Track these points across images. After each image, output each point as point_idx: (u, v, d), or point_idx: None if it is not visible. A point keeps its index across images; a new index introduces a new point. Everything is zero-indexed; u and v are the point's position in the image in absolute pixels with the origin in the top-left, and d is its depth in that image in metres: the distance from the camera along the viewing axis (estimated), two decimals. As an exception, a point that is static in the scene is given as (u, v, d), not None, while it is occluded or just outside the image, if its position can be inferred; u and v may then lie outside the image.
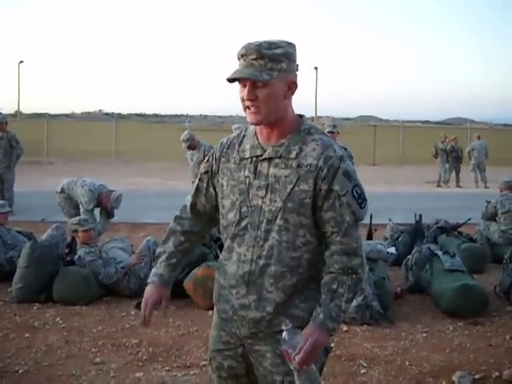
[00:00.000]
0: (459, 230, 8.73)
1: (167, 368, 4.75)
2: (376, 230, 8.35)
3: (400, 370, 4.77)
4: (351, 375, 4.65)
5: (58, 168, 22.46)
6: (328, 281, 2.31)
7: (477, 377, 4.62)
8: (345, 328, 5.63)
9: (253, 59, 2.24)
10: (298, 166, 2.29)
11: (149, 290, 2.59)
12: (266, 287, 2.33)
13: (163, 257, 2.62)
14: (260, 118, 2.28)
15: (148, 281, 2.62)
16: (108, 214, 8.93)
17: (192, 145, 10.16)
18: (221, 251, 2.59)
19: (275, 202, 2.30)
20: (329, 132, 8.26)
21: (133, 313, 6.03)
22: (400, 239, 8.50)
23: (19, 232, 7.59)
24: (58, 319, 5.82)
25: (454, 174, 20.10)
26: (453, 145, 20.26)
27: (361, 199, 2.32)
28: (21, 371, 4.64)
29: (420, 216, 8.50)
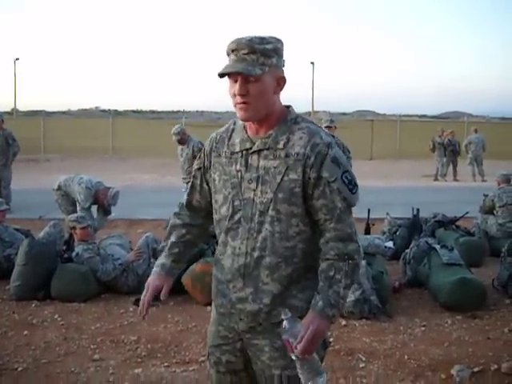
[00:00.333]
0: (457, 223, 8.75)
1: (166, 364, 4.76)
2: (374, 225, 8.36)
3: (399, 363, 4.78)
4: (350, 369, 4.65)
5: (55, 165, 22.46)
6: (325, 268, 2.31)
7: (475, 370, 4.63)
8: (343, 322, 5.63)
9: (244, 54, 2.24)
10: (286, 155, 2.29)
11: (150, 278, 2.59)
12: (262, 279, 2.34)
13: (165, 248, 2.64)
14: (250, 114, 2.29)
15: (152, 272, 2.62)
16: (105, 210, 8.94)
17: (182, 139, 10.04)
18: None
19: (266, 193, 2.30)
20: (326, 127, 8.25)
21: (131, 309, 6.03)
22: (398, 233, 8.50)
23: (17, 230, 7.58)
24: (56, 316, 5.82)
25: (451, 167, 20.11)
26: (450, 138, 20.27)
27: (351, 185, 2.32)
28: (19, 369, 4.64)
29: (418, 210, 8.51)
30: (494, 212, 8.75)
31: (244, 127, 2.39)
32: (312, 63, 44.70)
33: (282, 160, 2.29)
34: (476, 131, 20.88)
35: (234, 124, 2.47)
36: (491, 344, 5.21)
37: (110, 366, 4.71)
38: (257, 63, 2.23)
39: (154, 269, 2.61)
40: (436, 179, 19.99)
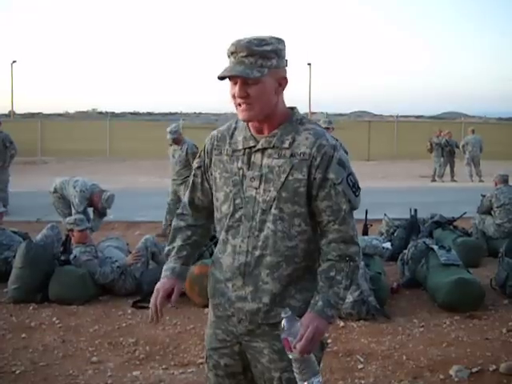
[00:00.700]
0: (455, 224, 8.76)
1: (164, 366, 4.75)
2: (371, 226, 8.37)
3: (397, 364, 4.78)
4: (348, 371, 4.65)
5: (52, 167, 22.43)
6: (326, 268, 2.32)
7: (474, 370, 4.63)
8: (341, 324, 5.63)
9: (243, 56, 2.23)
10: (292, 155, 2.29)
11: (160, 282, 2.54)
12: (263, 278, 2.33)
13: (173, 252, 2.58)
14: (251, 114, 2.29)
15: (161, 277, 2.56)
16: (100, 213, 8.95)
17: (177, 139, 9.82)
18: (215, 245, 2.59)
19: (269, 191, 2.30)
20: (324, 128, 8.27)
21: (129, 312, 6.03)
22: (396, 234, 8.51)
23: (14, 232, 7.57)
24: (54, 319, 5.81)
25: (448, 168, 20.12)
26: (447, 139, 20.28)
27: (355, 188, 2.34)
28: (17, 372, 4.63)
29: (415, 211, 8.51)
30: (492, 212, 8.74)
31: (247, 125, 2.39)
32: (309, 64, 44.71)
33: (287, 159, 2.29)
34: (473, 132, 20.89)
35: (236, 122, 2.46)
36: (489, 344, 5.21)
37: (108, 369, 4.71)
38: (255, 65, 2.23)
39: (164, 273, 2.55)
40: (433, 180, 20.00)
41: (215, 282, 2.48)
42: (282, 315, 2.23)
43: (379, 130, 29.97)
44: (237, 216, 2.36)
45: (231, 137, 2.43)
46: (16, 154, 12.80)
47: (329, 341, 4.93)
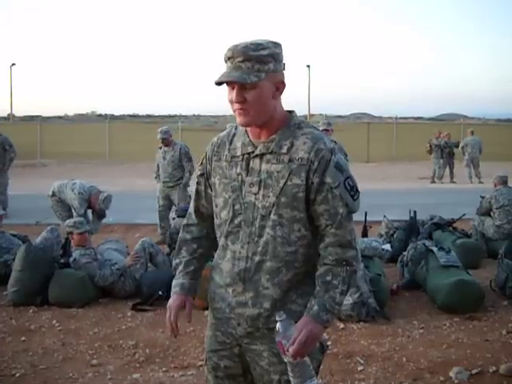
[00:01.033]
0: (454, 225, 8.76)
1: (164, 369, 4.75)
2: (371, 227, 8.38)
3: (397, 366, 4.78)
4: (348, 372, 4.65)
5: (51, 170, 22.44)
6: (322, 272, 2.32)
7: (474, 372, 4.63)
8: (341, 325, 5.63)
9: (240, 61, 2.23)
10: (290, 160, 2.29)
11: (171, 299, 2.57)
12: (263, 283, 2.33)
13: (180, 267, 2.59)
14: (249, 119, 2.29)
15: (171, 293, 2.59)
16: (99, 215, 8.94)
17: (168, 140, 9.76)
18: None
19: (268, 197, 2.30)
20: (323, 130, 8.28)
21: (129, 314, 6.03)
22: (395, 236, 8.51)
23: (14, 235, 7.57)
24: (54, 322, 5.80)
25: (448, 169, 20.12)
26: (446, 140, 20.29)
27: (353, 191, 2.33)
28: (17, 375, 4.63)
29: (415, 212, 8.50)
30: (491, 214, 8.74)
31: (246, 131, 2.39)
32: (308, 66, 44.75)
33: (286, 164, 2.29)
34: (472, 133, 20.88)
35: (236, 128, 2.46)
36: (489, 346, 5.21)
37: (108, 371, 4.71)
38: (252, 70, 2.23)
39: (174, 289, 2.57)
40: (433, 181, 20.00)
41: (215, 286, 2.48)
42: (277, 318, 2.23)
43: (378, 132, 29.99)
44: (236, 222, 2.37)
45: (230, 143, 2.43)
46: (15, 157, 12.81)
47: (329, 343, 4.93)
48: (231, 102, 2.29)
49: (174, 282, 2.59)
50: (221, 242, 2.44)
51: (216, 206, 2.45)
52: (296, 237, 2.32)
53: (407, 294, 6.67)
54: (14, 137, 13.69)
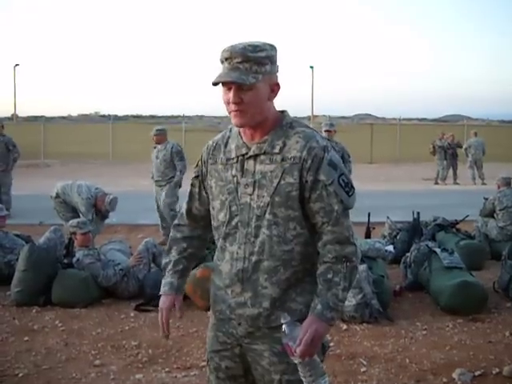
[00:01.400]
0: (457, 226, 8.74)
1: (167, 369, 4.75)
2: (374, 228, 8.37)
3: (400, 367, 4.78)
4: (351, 374, 4.65)
5: (55, 170, 22.48)
6: (323, 271, 2.32)
7: (477, 373, 4.62)
8: (344, 327, 5.63)
9: (238, 62, 2.25)
10: (283, 159, 2.31)
11: (161, 300, 2.62)
12: (261, 283, 2.34)
13: (169, 266, 2.63)
14: (245, 120, 2.30)
15: (160, 293, 2.64)
16: (102, 215, 8.95)
17: (162, 138, 9.74)
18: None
19: (263, 197, 2.31)
20: (326, 131, 8.30)
21: (132, 314, 6.03)
22: (398, 237, 8.50)
23: (17, 235, 7.58)
24: (57, 322, 5.81)
25: (451, 171, 20.11)
26: (449, 142, 20.28)
27: (348, 188, 2.33)
28: (20, 375, 4.64)
29: (418, 213, 8.49)
30: (495, 215, 8.74)
31: (239, 133, 2.40)
32: (311, 67, 44.69)
33: (279, 164, 2.31)
34: (476, 135, 20.87)
35: (230, 131, 2.48)
36: (492, 347, 5.20)
37: (111, 372, 4.71)
38: (250, 71, 2.24)
39: (163, 288, 2.62)
40: (436, 183, 19.99)
41: (216, 289, 2.49)
42: (282, 321, 2.24)
43: (382, 133, 29.97)
44: (233, 223, 2.38)
45: (225, 145, 2.44)
46: (19, 158, 12.84)
47: (331, 344, 4.92)
48: (227, 102, 2.30)
49: (163, 281, 2.63)
50: (219, 243, 2.45)
51: (213, 208, 2.47)
52: (292, 235, 2.33)
53: (410, 296, 6.67)
54: (18, 137, 13.72)
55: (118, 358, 4.99)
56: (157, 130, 9.78)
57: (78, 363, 4.88)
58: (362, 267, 5.90)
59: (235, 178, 2.37)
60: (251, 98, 2.26)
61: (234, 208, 2.37)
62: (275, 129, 2.35)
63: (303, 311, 2.33)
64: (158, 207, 9.80)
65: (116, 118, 52.23)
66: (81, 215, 8.56)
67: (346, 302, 4.98)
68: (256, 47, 2.26)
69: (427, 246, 7.09)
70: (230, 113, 2.32)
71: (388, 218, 9.11)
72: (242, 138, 2.39)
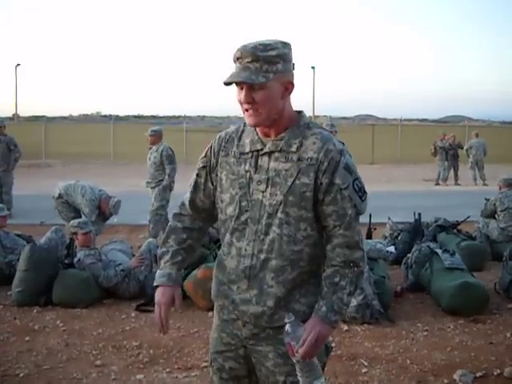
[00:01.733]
0: (458, 227, 8.73)
1: (168, 370, 4.75)
2: (375, 229, 8.36)
3: (401, 368, 4.77)
4: (352, 375, 4.65)
5: (56, 170, 22.48)
6: (330, 274, 2.32)
7: (478, 375, 4.62)
8: (345, 327, 5.62)
9: (248, 62, 2.24)
10: (299, 159, 2.30)
11: (159, 292, 2.54)
12: (267, 281, 2.34)
13: (167, 257, 2.57)
14: (258, 120, 2.29)
15: (155, 283, 2.56)
16: (104, 217, 8.96)
17: (156, 138, 9.69)
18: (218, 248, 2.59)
19: (276, 195, 2.30)
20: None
21: (133, 315, 6.03)
22: (399, 238, 8.50)
23: (18, 235, 7.58)
24: (58, 322, 5.81)
25: (452, 171, 20.11)
26: (450, 142, 20.28)
27: (361, 192, 2.34)
28: (21, 375, 4.64)
29: (419, 214, 8.50)
30: (496, 216, 8.74)
31: (255, 128, 2.39)
32: (313, 68, 44.69)
33: (295, 163, 2.30)
34: (477, 135, 20.87)
35: (245, 125, 2.46)
36: (494, 348, 5.20)
37: (112, 372, 4.71)
38: (260, 71, 2.23)
39: (160, 279, 2.54)
40: (437, 183, 19.99)
41: (219, 283, 2.48)
42: (286, 320, 2.24)
43: (383, 134, 29.95)
44: (242, 219, 2.36)
45: (239, 139, 2.43)
46: (20, 157, 12.85)
47: (332, 345, 4.91)
48: (240, 102, 2.30)
49: (160, 272, 2.57)
50: (226, 238, 2.43)
51: (222, 201, 2.44)
52: (302, 236, 2.32)
53: (411, 296, 6.67)
54: (19, 137, 13.72)
55: (118, 358, 4.99)
56: (151, 131, 9.74)
57: (78, 363, 4.88)
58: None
59: (248, 174, 2.36)
60: (263, 98, 2.25)
61: (244, 203, 2.36)
62: (292, 127, 2.34)
63: (306, 312, 2.33)
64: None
65: (117, 118, 52.27)
66: (83, 216, 8.57)
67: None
68: (267, 46, 2.24)
69: (428, 246, 7.09)
70: (243, 112, 2.32)
71: (389, 218, 9.12)
72: (257, 133, 2.38)
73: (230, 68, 2.31)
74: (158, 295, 2.54)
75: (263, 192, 2.32)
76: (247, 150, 2.38)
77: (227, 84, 2.28)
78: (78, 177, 11.62)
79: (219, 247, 2.55)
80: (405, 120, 35.87)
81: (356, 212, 2.32)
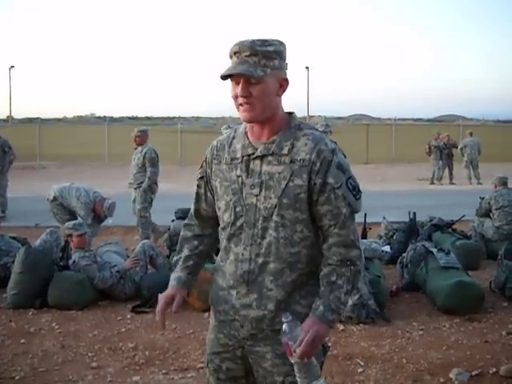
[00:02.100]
0: (453, 226, 8.75)
1: (164, 371, 4.75)
2: (370, 229, 8.37)
3: (397, 367, 4.78)
4: (348, 374, 4.65)
5: (51, 172, 22.43)
6: (327, 273, 2.32)
7: (474, 373, 4.63)
8: (341, 327, 5.63)
9: (246, 56, 2.25)
10: (291, 161, 2.30)
11: (165, 291, 2.55)
12: (267, 285, 2.33)
13: (180, 262, 2.59)
14: (254, 114, 2.29)
15: (169, 286, 2.56)
16: (99, 219, 8.95)
17: (142, 138, 9.67)
18: (216, 254, 2.58)
19: (270, 198, 2.30)
20: (321, 132, 8.28)
21: (129, 316, 6.02)
22: (395, 237, 8.51)
23: (13, 238, 7.56)
24: (53, 324, 5.80)
25: (447, 171, 20.13)
26: (445, 142, 20.31)
27: (355, 191, 2.34)
28: (17, 377, 4.63)
29: (414, 214, 8.51)
30: (491, 215, 8.75)
31: (245, 133, 2.40)
32: (307, 68, 44.76)
33: (287, 166, 2.30)
34: (471, 134, 20.91)
35: (235, 132, 2.47)
36: (489, 347, 5.21)
37: (108, 374, 4.70)
38: (258, 65, 2.25)
39: (171, 282, 2.55)
40: (432, 183, 20.00)
41: (218, 289, 2.47)
42: (283, 320, 2.23)
43: (377, 133, 29.97)
44: (238, 224, 2.36)
45: (230, 145, 2.43)
46: (15, 159, 12.82)
47: (329, 344, 4.92)
48: (235, 97, 2.30)
49: (172, 276, 2.58)
50: (223, 244, 2.44)
51: (219, 209, 2.45)
52: (299, 238, 2.32)
53: (407, 296, 6.68)
54: (13, 139, 13.69)
55: (114, 360, 4.99)
56: (139, 131, 9.72)
57: (74, 365, 4.87)
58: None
59: (240, 179, 2.36)
60: (259, 92, 2.26)
61: (238, 209, 2.36)
62: (283, 130, 2.34)
63: (307, 314, 2.32)
64: (134, 210, 9.76)
65: (112, 119, 52.13)
66: (79, 218, 8.56)
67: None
68: (265, 41, 2.27)
69: (423, 246, 7.10)
70: (237, 107, 2.31)
71: (384, 218, 9.12)
72: (248, 137, 2.38)
73: (226, 65, 2.31)
74: (162, 294, 2.54)
75: (257, 196, 2.32)
76: (238, 155, 2.38)
77: (224, 78, 2.28)
78: (73, 178, 11.61)
79: (217, 250, 2.55)
80: (399, 119, 35.87)
81: (351, 211, 2.32)
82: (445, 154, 20.09)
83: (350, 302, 5.71)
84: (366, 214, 7.86)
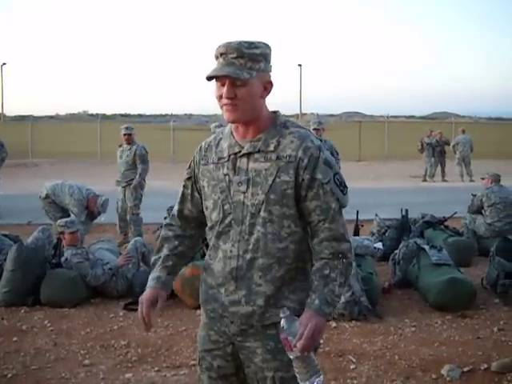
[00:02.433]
0: (445, 223, 8.77)
1: (157, 368, 4.74)
2: (363, 226, 8.40)
3: (389, 364, 4.79)
4: (341, 371, 4.66)
5: (43, 170, 22.39)
6: (319, 267, 2.33)
7: (465, 369, 4.64)
8: (333, 324, 5.64)
9: (233, 58, 2.26)
10: (278, 158, 2.32)
11: (145, 293, 2.54)
12: (255, 281, 2.34)
13: (159, 262, 2.58)
14: (237, 115, 2.31)
15: (146, 287, 2.56)
16: (92, 216, 8.94)
17: (131, 137, 9.71)
18: (202, 257, 2.59)
19: (257, 195, 2.32)
20: (314, 129, 8.30)
21: (121, 314, 6.02)
22: (387, 234, 8.53)
23: (5, 235, 7.53)
24: (45, 322, 5.79)
25: (439, 168, 20.19)
26: (437, 139, 20.36)
27: (342, 186, 2.37)
28: (9, 375, 4.62)
29: (406, 211, 8.53)
30: (483, 212, 8.77)
31: (231, 133, 2.41)
32: (299, 65, 44.79)
33: (274, 162, 2.32)
34: (463, 132, 20.97)
35: (222, 133, 2.49)
36: (481, 343, 5.22)
37: (101, 371, 4.70)
38: (245, 67, 2.26)
39: (150, 282, 2.55)
40: (424, 180, 20.07)
41: (207, 288, 2.48)
42: (281, 315, 2.23)
43: (370, 131, 30.06)
44: (226, 222, 2.37)
45: (217, 146, 2.45)
46: (7, 157, 12.78)
47: (321, 341, 4.93)
48: (219, 98, 2.31)
49: (151, 276, 2.57)
50: (212, 242, 2.44)
51: (206, 208, 2.46)
52: (286, 233, 2.33)
53: (399, 293, 6.69)
54: (6, 137, 13.68)
55: (107, 357, 4.98)
56: (130, 129, 9.73)
57: (67, 363, 4.86)
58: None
59: (227, 177, 2.37)
60: (244, 94, 2.28)
61: (226, 206, 2.37)
62: (269, 128, 2.36)
63: (297, 309, 2.33)
64: (117, 208, 9.74)
65: (104, 116, 52.08)
66: (72, 215, 8.55)
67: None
68: (251, 44, 2.28)
69: (416, 243, 7.12)
70: (221, 107, 2.33)
71: (376, 215, 9.15)
72: (234, 137, 2.40)
73: (213, 64, 2.32)
74: (143, 295, 2.54)
75: (244, 193, 2.34)
76: (225, 154, 2.40)
77: (210, 78, 2.29)
78: (66, 176, 11.59)
79: (207, 245, 2.55)
80: (392, 117, 35.98)
81: (339, 206, 2.35)
82: (437, 151, 20.14)
83: (343, 299, 5.71)
84: (358, 211, 7.88)
